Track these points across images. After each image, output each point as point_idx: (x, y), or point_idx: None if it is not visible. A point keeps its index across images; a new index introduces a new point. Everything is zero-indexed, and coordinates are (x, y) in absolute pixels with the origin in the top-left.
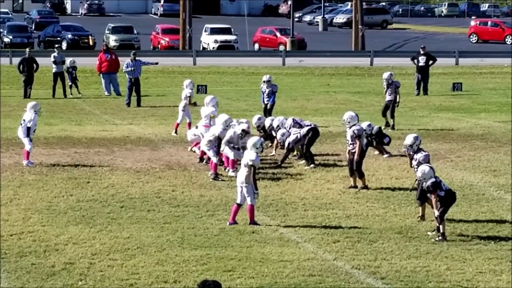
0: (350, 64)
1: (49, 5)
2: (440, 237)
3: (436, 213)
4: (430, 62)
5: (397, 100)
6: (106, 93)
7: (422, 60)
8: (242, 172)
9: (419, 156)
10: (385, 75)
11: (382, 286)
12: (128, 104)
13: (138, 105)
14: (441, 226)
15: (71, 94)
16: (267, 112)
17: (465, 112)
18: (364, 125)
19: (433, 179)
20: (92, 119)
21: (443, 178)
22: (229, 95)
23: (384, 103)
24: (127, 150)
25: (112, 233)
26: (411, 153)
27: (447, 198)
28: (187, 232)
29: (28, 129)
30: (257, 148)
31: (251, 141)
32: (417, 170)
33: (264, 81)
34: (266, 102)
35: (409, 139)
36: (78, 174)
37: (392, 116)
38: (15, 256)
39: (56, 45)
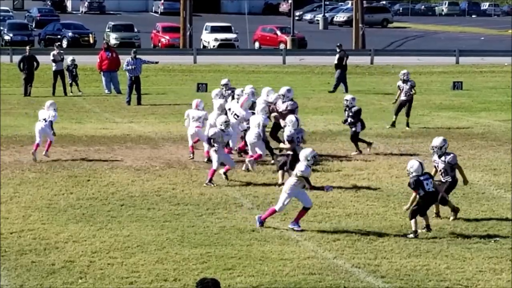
0: (350, 63)
1: (49, 3)
2: (411, 235)
3: (405, 207)
4: (345, 59)
5: (408, 99)
6: (106, 91)
7: (336, 57)
8: (290, 181)
9: (448, 158)
10: (403, 71)
11: (382, 285)
12: (129, 102)
13: (139, 103)
14: (412, 223)
15: (72, 92)
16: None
17: (466, 110)
18: (349, 97)
19: (416, 178)
20: (92, 117)
21: None
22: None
23: (399, 102)
24: (127, 148)
25: (112, 231)
26: (439, 154)
27: (427, 199)
28: (187, 230)
29: (51, 123)
30: (308, 161)
31: (303, 152)
32: (442, 174)
33: (222, 85)
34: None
35: (438, 141)
36: (78, 172)
37: (408, 115)
38: (15, 254)
39: (57, 43)
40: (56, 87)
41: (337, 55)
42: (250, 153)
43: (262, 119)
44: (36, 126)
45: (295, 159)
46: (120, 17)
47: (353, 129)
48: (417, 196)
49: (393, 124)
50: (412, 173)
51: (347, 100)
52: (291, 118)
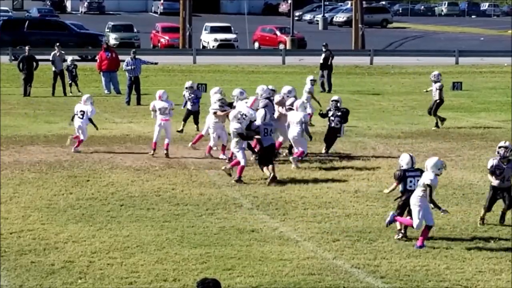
0: (350, 63)
1: (49, 3)
2: (399, 235)
3: (385, 191)
4: (330, 58)
5: (436, 99)
6: (106, 91)
7: (322, 57)
8: (417, 192)
9: None
10: (433, 72)
11: (382, 285)
12: (128, 103)
13: (138, 103)
14: (397, 223)
15: (71, 92)
16: (194, 119)
17: (465, 111)
18: (337, 97)
19: (402, 172)
20: (92, 117)
21: (442, 177)
22: (228, 94)
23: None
24: (127, 149)
25: (111, 232)
26: (506, 155)
27: (406, 198)
28: (187, 230)
29: (90, 119)
30: (438, 169)
31: (431, 161)
32: (506, 180)
33: (186, 88)
34: (191, 109)
35: (507, 142)
36: (77, 172)
37: (435, 114)
38: (15, 254)
39: (57, 44)
40: (55, 87)
41: (323, 55)
42: (294, 150)
43: (302, 115)
44: (75, 122)
45: (265, 153)
46: (119, 17)
47: (338, 135)
48: (399, 187)
49: (436, 125)
50: (402, 166)
51: (337, 101)
52: (260, 111)
